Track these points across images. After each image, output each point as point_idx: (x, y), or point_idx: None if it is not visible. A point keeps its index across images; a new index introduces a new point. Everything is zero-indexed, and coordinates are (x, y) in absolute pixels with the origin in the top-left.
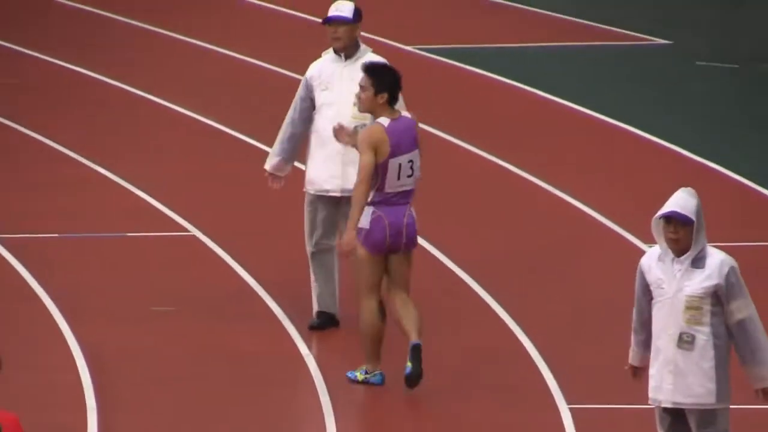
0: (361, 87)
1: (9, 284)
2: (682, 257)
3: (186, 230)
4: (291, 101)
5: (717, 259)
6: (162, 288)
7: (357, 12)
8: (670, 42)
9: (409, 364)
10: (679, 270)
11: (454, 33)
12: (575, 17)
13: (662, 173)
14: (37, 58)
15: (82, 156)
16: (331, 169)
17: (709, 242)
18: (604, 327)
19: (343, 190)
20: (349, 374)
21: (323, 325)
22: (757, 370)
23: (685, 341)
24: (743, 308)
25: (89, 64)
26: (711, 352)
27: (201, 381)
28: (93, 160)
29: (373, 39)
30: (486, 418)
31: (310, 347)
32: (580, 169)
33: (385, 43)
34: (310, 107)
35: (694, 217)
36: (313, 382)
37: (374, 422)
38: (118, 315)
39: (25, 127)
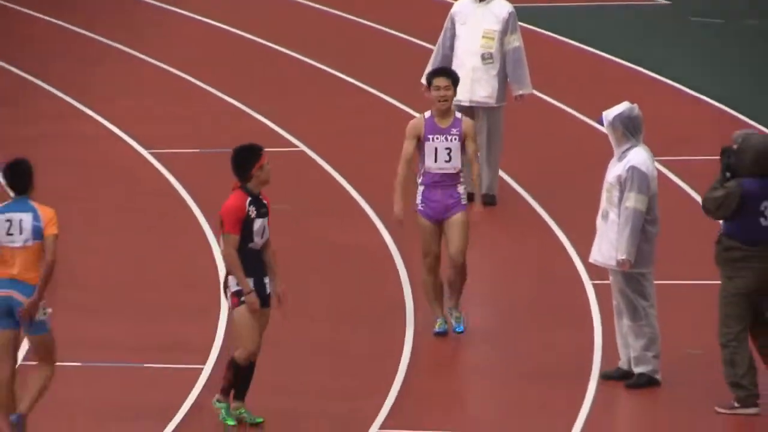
0: (445, 87)
1: (161, 192)
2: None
3: (296, 146)
4: (390, 54)
5: (629, 157)
6: (277, 191)
7: None
8: (669, 2)
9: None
10: (612, 163)
11: None
12: None
13: (686, 118)
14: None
15: (222, 92)
16: (464, 84)
17: None
18: None
19: (471, 101)
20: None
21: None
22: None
23: (602, 219)
24: (631, 199)
25: None
26: (615, 227)
27: (305, 267)
28: (229, 95)
29: None
30: (528, 337)
31: (395, 241)
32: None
33: (434, 0)
34: (453, 36)
35: (606, 122)
36: (397, 270)
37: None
38: None
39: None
